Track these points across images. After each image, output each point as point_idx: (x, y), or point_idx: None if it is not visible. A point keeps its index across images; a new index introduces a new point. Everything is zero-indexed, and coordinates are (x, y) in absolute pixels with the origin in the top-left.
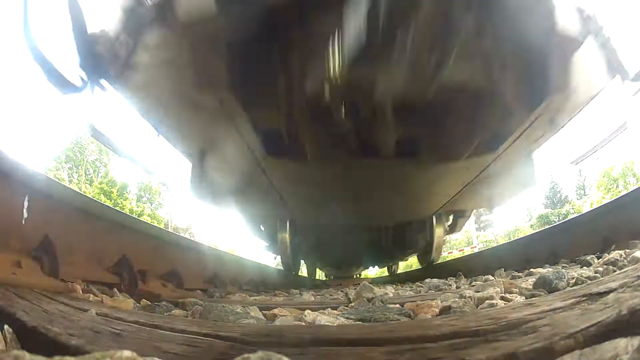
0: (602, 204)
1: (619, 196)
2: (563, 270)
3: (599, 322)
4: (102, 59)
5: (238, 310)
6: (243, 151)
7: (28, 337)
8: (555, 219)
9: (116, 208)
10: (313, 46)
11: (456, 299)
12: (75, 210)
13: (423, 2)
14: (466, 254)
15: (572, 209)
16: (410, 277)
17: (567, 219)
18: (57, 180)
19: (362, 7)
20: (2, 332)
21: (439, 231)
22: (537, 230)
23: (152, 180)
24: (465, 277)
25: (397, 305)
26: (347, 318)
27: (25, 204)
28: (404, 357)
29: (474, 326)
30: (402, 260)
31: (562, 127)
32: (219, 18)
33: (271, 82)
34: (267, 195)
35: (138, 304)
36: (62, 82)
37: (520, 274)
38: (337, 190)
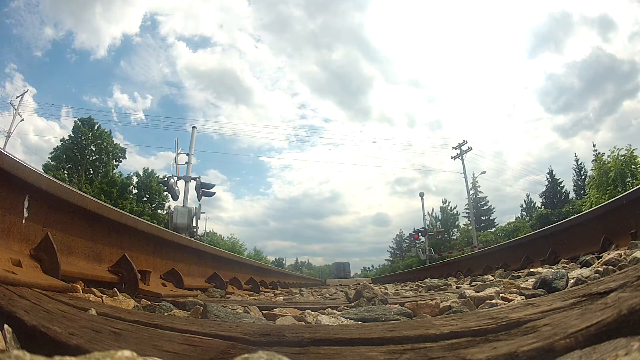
0: (601, 204)
1: (617, 197)
2: (563, 270)
3: (599, 322)
4: None
5: (238, 310)
6: None
7: (28, 337)
8: (555, 219)
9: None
10: None
11: (456, 299)
12: (76, 210)
13: None
14: (466, 254)
15: (572, 208)
16: (410, 277)
17: (567, 219)
18: (57, 180)
19: None
20: (2, 331)
21: None
22: (537, 230)
23: (152, 181)
24: (465, 277)
25: (397, 305)
26: (347, 318)
27: (26, 203)
28: (404, 357)
29: (474, 326)
30: None
31: None
32: None
33: None
34: None
35: (138, 304)
36: None
37: (520, 273)
38: None
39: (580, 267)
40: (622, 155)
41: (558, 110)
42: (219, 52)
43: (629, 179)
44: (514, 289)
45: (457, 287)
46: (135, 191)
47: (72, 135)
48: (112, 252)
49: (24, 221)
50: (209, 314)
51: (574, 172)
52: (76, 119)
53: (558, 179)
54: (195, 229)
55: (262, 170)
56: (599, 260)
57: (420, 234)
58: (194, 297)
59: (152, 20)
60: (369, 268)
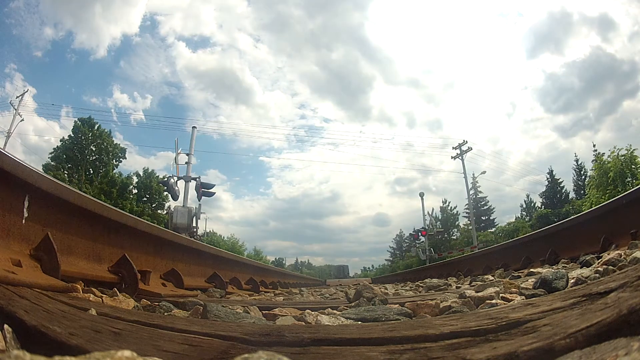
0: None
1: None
2: (563, 270)
3: (599, 322)
4: None
5: (238, 310)
6: None
7: (28, 337)
8: (555, 219)
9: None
10: None
11: (456, 299)
12: (76, 210)
13: None
14: (466, 254)
15: (572, 208)
16: (410, 277)
17: (567, 219)
18: (57, 180)
19: None
20: (2, 331)
21: None
22: (537, 230)
23: (152, 180)
24: (465, 277)
25: (397, 305)
26: (347, 318)
27: (26, 203)
28: (404, 357)
29: (474, 326)
30: None
31: None
32: None
33: None
34: None
35: (138, 304)
36: None
37: (520, 273)
38: None
39: (580, 267)
40: (622, 155)
41: (558, 110)
42: (219, 52)
43: (629, 179)
44: (514, 289)
45: (457, 287)
46: (135, 191)
47: (72, 135)
48: (112, 252)
49: (24, 221)
50: (209, 314)
51: (574, 172)
52: (76, 119)
53: (558, 179)
54: (195, 229)
55: (262, 170)
56: (599, 260)
57: (420, 233)
58: (194, 297)
59: (151, 20)
60: (369, 268)
